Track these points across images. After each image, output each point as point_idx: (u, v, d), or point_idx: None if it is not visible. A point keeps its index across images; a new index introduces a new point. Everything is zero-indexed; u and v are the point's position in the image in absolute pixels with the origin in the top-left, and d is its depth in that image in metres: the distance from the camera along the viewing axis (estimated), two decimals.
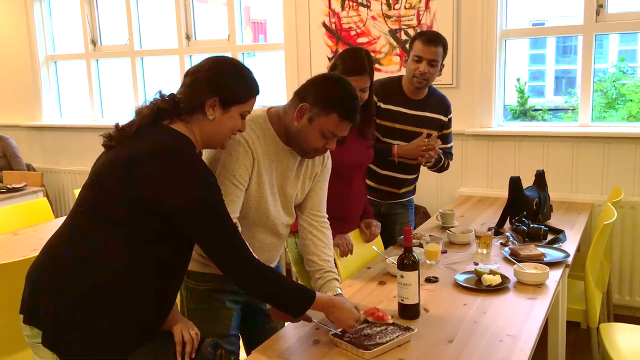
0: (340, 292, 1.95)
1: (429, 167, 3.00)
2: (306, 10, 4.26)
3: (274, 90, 4.70)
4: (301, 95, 1.85)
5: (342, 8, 4.14)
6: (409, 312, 1.92)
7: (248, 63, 5.02)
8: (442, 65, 2.86)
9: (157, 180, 1.49)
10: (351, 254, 2.50)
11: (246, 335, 2.14)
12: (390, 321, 1.83)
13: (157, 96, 1.62)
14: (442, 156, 2.95)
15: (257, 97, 1.72)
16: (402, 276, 1.90)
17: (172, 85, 1.93)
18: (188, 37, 4.96)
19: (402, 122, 2.88)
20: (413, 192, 3.13)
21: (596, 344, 2.66)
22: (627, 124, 5.09)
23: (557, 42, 13.60)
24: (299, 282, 2.65)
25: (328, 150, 2.04)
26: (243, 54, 4.82)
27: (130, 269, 1.52)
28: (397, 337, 1.74)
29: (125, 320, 1.54)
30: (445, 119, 3.01)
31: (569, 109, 8.45)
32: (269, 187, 1.89)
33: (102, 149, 1.64)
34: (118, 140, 1.57)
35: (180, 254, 1.63)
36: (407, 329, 1.79)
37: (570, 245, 2.70)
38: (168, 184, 1.49)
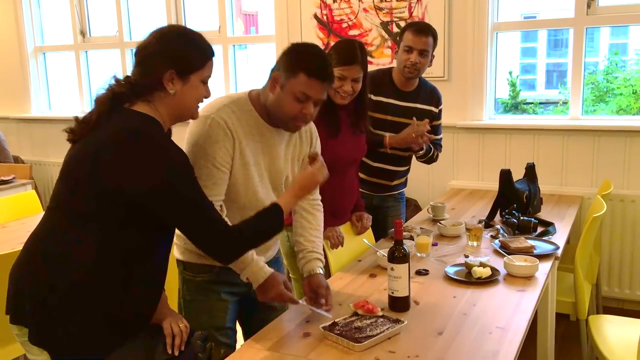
0: (320, 272, 1.98)
1: (419, 158, 3.00)
2: (297, 2, 4.24)
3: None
4: (273, 68, 1.86)
5: (334, 0, 4.12)
6: (399, 304, 1.92)
7: (239, 55, 4.99)
8: (433, 56, 2.86)
9: (122, 167, 1.46)
10: (342, 246, 2.50)
11: (245, 327, 2.15)
12: (380, 314, 1.83)
13: (112, 81, 1.58)
14: (431, 146, 2.96)
15: (213, 58, 1.67)
16: (392, 269, 1.90)
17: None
18: None
19: (393, 114, 2.87)
20: (404, 184, 3.13)
21: (585, 336, 2.68)
22: (617, 117, 5.12)
23: (549, 36, 13.62)
24: (291, 275, 2.65)
25: (316, 132, 2.05)
26: (234, 46, 4.79)
27: (99, 263, 1.50)
28: (387, 329, 1.74)
29: (103, 315, 1.53)
30: (436, 110, 3.01)
31: (559, 102, 8.49)
32: (256, 168, 1.88)
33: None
34: (81, 133, 1.55)
35: (150, 239, 1.60)
36: (397, 321, 1.79)
37: (560, 237, 2.71)
38: (133, 168, 1.46)
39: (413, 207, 3.85)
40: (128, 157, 1.46)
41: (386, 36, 4.01)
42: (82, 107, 5.44)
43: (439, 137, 3.07)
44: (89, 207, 1.49)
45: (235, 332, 2.06)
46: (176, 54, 1.57)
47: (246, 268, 1.82)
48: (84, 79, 5.43)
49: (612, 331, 2.45)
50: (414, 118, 2.80)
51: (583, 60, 3.63)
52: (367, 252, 2.52)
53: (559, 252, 2.47)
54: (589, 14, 3.58)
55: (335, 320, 1.80)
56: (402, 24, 3.92)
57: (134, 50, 1.64)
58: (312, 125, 2.08)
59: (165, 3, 4.86)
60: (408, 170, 3.10)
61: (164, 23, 5.35)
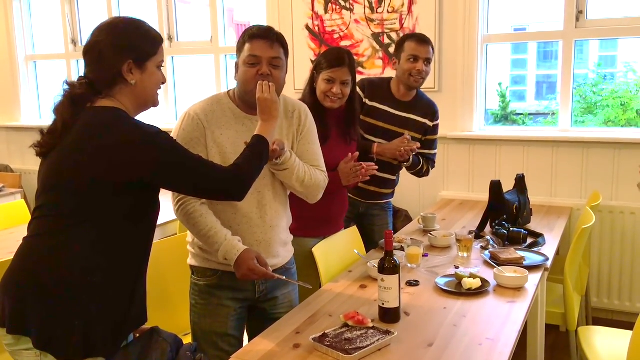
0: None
1: (408, 168, 3.02)
2: (289, 13, 4.25)
3: None
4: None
5: (326, 11, 4.14)
6: (389, 315, 1.92)
7: (231, 65, 5.00)
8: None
9: (105, 158, 1.48)
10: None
11: (252, 338, 2.13)
12: (371, 325, 1.83)
13: (66, 86, 1.59)
14: (420, 159, 3.00)
15: (163, 43, 1.69)
16: (382, 280, 1.90)
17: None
18: (170, 38, 4.92)
19: (386, 121, 2.90)
20: (392, 195, 3.15)
21: (575, 347, 2.69)
22: (606, 129, 5.17)
23: (538, 48, 13.75)
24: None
25: (307, 111, 2.12)
26: (226, 55, 4.80)
27: (97, 261, 1.52)
28: (377, 340, 1.74)
29: (109, 314, 1.54)
30: (431, 125, 3.03)
31: (548, 114, 8.55)
32: (235, 155, 1.90)
33: None
34: (49, 144, 1.55)
35: (143, 226, 1.64)
36: (387, 332, 1.79)
37: (550, 248, 2.72)
38: (117, 157, 1.48)
39: (404, 218, 3.85)
40: (108, 148, 1.48)
41: (377, 47, 4.03)
42: None
43: (433, 152, 3.09)
44: (80, 208, 1.50)
45: (240, 341, 2.07)
46: (131, 44, 1.58)
47: (221, 247, 1.87)
48: None
49: (602, 342, 2.46)
50: (406, 132, 2.86)
51: (572, 73, 3.67)
52: (358, 263, 2.52)
53: (549, 263, 2.49)
54: (577, 27, 3.62)
55: (326, 332, 1.79)
56: (394, 35, 3.95)
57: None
58: (301, 105, 2.14)
59: (157, 13, 4.87)
60: (397, 181, 3.12)
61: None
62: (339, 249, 2.57)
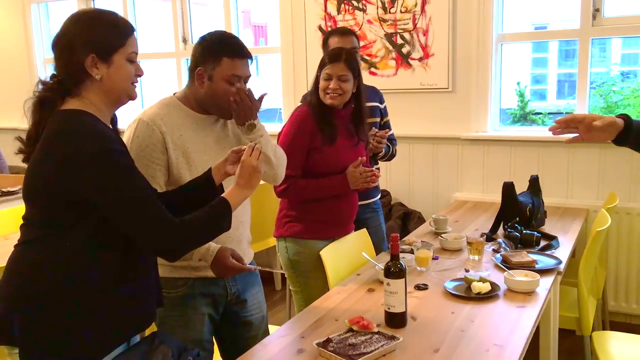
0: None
1: (381, 159, 3.07)
2: (302, 14, 4.24)
3: (273, 93, 4.68)
4: (192, 67, 1.93)
5: (338, 12, 4.12)
6: (395, 320, 1.89)
7: None
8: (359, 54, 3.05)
9: (53, 171, 1.44)
10: None
11: (224, 343, 2.14)
12: (376, 330, 1.81)
13: (40, 86, 1.54)
14: (388, 145, 3.03)
15: (134, 33, 1.59)
16: (388, 284, 1.87)
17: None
18: (185, 41, 4.94)
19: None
20: (377, 191, 3.10)
21: (589, 352, 2.63)
22: None
23: (560, 46, 13.57)
24: (291, 287, 2.64)
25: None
26: None
27: (79, 268, 1.50)
28: (382, 346, 1.72)
29: (93, 320, 1.52)
30: (382, 106, 3.10)
31: (569, 114, 8.40)
32: (203, 154, 1.92)
33: None
34: (29, 150, 1.53)
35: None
36: (392, 337, 1.76)
37: (563, 251, 2.67)
38: (64, 171, 1.43)
39: (417, 220, 3.82)
40: (59, 160, 1.44)
41: (390, 48, 3.99)
42: None
43: (391, 132, 3.13)
44: (51, 219, 1.49)
45: (213, 344, 2.07)
46: (93, 37, 1.51)
47: (195, 250, 1.84)
48: None
49: (616, 348, 2.41)
50: (373, 128, 2.90)
51: (588, 72, 3.60)
52: (367, 266, 2.49)
53: (562, 266, 2.44)
54: (594, 25, 3.55)
55: (330, 337, 1.78)
56: (407, 35, 3.91)
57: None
58: None
59: (172, 16, 4.89)
60: (378, 170, 3.08)
61: (170, 36, 5.29)
62: (348, 252, 2.56)
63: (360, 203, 2.97)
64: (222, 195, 1.68)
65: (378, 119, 3.06)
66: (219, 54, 1.88)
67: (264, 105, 2.05)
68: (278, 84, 4.51)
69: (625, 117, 1.81)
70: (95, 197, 1.46)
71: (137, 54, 1.60)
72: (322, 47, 3.01)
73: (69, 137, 1.46)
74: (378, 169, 3.05)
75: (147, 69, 1.71)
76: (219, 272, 1.89)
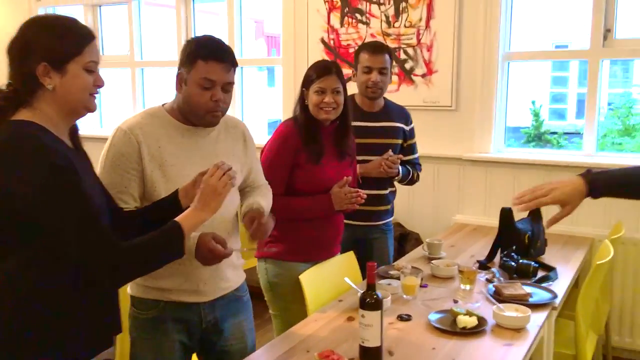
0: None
1: (400, 182, 2.95)
2: (305, 26, 4.15)
3: (275, 104, 4.60)
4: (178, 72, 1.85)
5: (341, 25, 4.02)
6: (369, 355, 1.76)
7: (260, 77, 4.91)
8: (392, 73, 2.96)
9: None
10: None
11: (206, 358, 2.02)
12: None
13: None
14: (408, 168, 2.93)
15: (94, 41, 1.49)
16: (363, 316, 1.74)
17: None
18: None
19: (363, 136, 2.76)
20: (391, 213, 3.00)
21: None
22: (632, 154, 4.88)
23: (580, 65, 13.39)
24: (270, 310, 2.52)
25: (249, 133, 2.02)
26: (241, 67, 4.72)
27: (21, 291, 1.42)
28: None
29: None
30: (407, 128, 2.97)
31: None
32: (182, 168, 1.81)
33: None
34: None
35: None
36: None
37: (562, 284, 2.52)
38: (5, 188, 1.35)
39: (414, 242, 3.68)
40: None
41: (393, 62, 3.87)
42: (93, 125, 5.41)
43: (415, 156, 3.03)
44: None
45: None
46: (45, 44, 1.42)
47: None
48: None
49: None
50: (390, 150, 2.79)
51: (598, 93, 3.46)
52: (350, 292, 2.36)
53: (557, 301, 2.29)
54: (605, 46, 3.41)
55: None
56: (410, 50, 3.80)
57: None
58: (243, 125, 2.04)
59: (176, 22, 4.83)
60: (393, 194, 2.99)
61: (174, 43, 5.23)
62: (330, 276, 2.43)
63: (369, 224, 2.87)
64: (175, 218, 1.56)
65: (400, 141, 2.93)
66: (196, 56, 1.77)
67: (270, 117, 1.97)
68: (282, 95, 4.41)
69: (585, 175, 1.84)
70: (33, 216, 1.36)
71: (97, 63, 1.50)
72: (353, 60, 2.94)
73: (8, 151, 1.36)
74: (394, 190, 2.99)
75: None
76: (205, 260, 1.73)
